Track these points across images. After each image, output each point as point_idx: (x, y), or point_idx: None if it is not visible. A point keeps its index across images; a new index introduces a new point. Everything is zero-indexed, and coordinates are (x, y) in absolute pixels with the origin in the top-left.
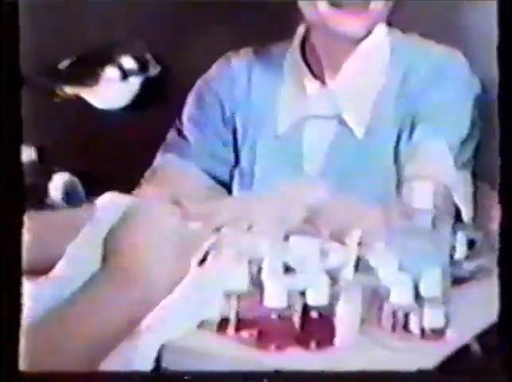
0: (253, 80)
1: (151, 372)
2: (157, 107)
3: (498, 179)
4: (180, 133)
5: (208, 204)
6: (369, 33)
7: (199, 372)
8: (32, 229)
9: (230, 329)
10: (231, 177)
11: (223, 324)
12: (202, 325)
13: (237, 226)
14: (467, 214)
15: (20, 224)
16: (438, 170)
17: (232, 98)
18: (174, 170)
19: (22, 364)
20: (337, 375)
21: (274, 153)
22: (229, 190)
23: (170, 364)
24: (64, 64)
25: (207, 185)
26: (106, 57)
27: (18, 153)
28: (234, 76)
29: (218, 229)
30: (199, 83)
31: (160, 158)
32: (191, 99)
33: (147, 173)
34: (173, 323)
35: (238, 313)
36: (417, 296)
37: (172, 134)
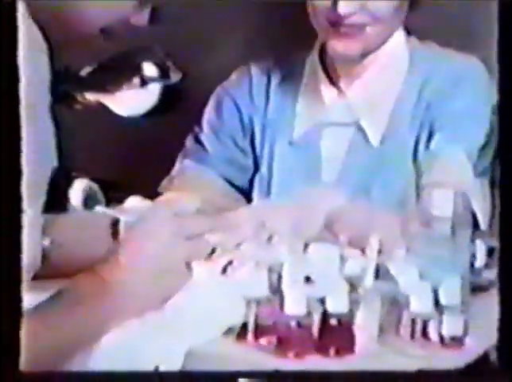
0: (271, 88)
1: (155, 372)
2: (177, 113)
3: (498, 178)
4: (198, 139)
5: (227, 216)
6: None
7: (198, 371)
8: (52, 233)
9: (250, 336)
10: (251, 183)
11: (242, 331)
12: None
13: (257, 237)
14: (484, 222)
15: (19, 224)
16: (457, 178)
17: (250, 105)
18: (192, 176)
19: (22, 364)
20: (337, 375)
21: (291, 160)
22: (248, 196)
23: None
24: (85, 70)
25: (224, 191)
26: (128, 64)
27: (18, 153)
28: (252, 84)
29: (238, 244)
30: (218, 90)
31: (178, 165)
32: (210, 106)
33: (165, 180)
34: (199, 330)
35: (257, 320)
36: (437, 304)
37: (190, 141)
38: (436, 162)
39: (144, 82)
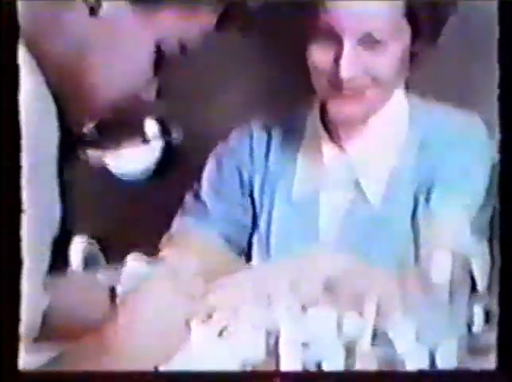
0: (272, 146)
1: (155, 372)
2: (178, 171)
3: (497, 239)
4: (197, 197)
5: (225, 278)
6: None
7: (198, 371)
8: (51, 293)
9: None
10: (250, 242)
11: None
12: None
13: (255, 300)
14: (482, 283)
15: (18, 224)
16: (455, 238)
17: (251, 163)
18: (191, 234)
19: (22, 364)
20: (336, 375)
21: (290, 218)
22: (247, 255)
23: None
24: (88, 127)
25: (223, 249)
26: (130, 122)
27: (18, 154)
28: (253, 142)
29: (236, 307)
30: (218, 147)
31: (177, 222)
32: (210, 163)
33: (164, 238)
34: None
35: None
36: (433, 367)
37: (189, 198)
38: (434, 222)
39: (145, 140)
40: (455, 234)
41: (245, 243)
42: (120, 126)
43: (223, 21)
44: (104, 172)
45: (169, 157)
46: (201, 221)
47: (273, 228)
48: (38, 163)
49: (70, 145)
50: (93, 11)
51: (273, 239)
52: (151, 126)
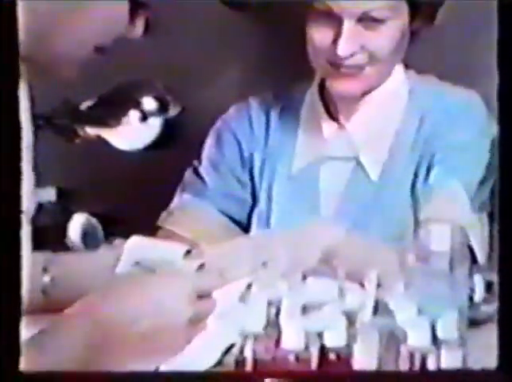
0: (271, 122)
1: (155, 372)
2: (177, 147)
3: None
4: (197, 173)
5: (225, 245)
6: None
7: (198, 371)
8: (51, 271)
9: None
10: (249, 217)
11: (239, 365)
12: (219, 365)
13: (253, 267)
14: (482, 256)
15: (18, 223)
16: (455, 212)
17: (250, 139)
18: (190, 210)
19: (22, 364)
20: (336, 375)
21: (290, 194)
22: (246, 231)
23: None
24: (85, 104)
25: (223, 225)
26: (128, 98)
27: (18, 153)
28: (252, 118)
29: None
30: (218, 123)
31: (177, 198)
32: (209, 139)
33: (164, 214)
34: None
35: (255, 355)
36: (434, 338)
37: (189, 174)
38: (434, 196)
39: (144, 116)
40: (455, 208)
41: (244, 219)
42: (118, 103)
43: None
44: (103, 148)
45: (169, 134)
46: (200, 197)
47: (274, 203)
48: None
49: (68, 121)
50: None
51: (273, 215)
52: (149, 103)
